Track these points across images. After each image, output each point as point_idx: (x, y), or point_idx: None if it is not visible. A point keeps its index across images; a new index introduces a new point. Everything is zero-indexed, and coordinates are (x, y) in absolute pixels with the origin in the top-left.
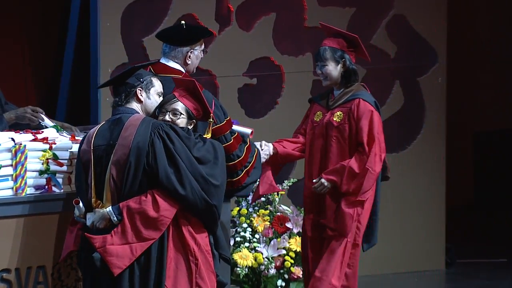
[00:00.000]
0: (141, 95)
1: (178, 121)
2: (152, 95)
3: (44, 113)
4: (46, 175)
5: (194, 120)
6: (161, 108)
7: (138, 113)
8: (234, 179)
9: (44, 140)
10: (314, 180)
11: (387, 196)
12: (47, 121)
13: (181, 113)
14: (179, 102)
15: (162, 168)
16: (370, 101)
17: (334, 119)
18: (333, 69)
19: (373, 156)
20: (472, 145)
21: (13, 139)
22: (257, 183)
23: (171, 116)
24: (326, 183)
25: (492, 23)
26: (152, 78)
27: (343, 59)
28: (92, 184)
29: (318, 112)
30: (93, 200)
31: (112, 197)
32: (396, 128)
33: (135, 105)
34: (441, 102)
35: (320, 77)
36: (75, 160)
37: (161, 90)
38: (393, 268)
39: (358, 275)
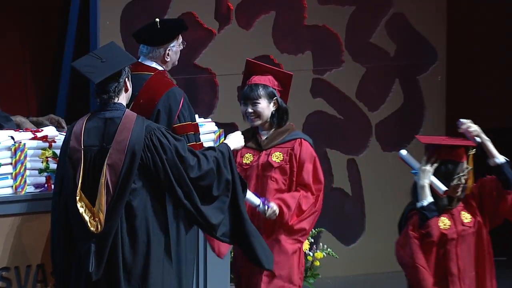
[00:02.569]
0: (127, 84)
1: (259, 109)
2: (130, 81)
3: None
4: (45, 174)
5: (276, 98)
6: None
7: (125, 107)
8: None
9: (44, 138)
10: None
11: (387, 195)
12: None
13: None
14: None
15: (162, 175)
16: (310, 142)
17: (273, 159)
18: (266, 108)
19: (320, 199)
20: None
21: (12, 138)
22: None
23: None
24: (276, 209)
25: (492, 22)
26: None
27: (275, 97)
28: (79, 183)
29: (246, 154)
30: (77, 198)
31: (106, 201)
32: (396, 127)
33: (123, 96)
34: (440, 101)
35: (247, 116)
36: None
37: None
38: (393, 266)
39: (358, 273)
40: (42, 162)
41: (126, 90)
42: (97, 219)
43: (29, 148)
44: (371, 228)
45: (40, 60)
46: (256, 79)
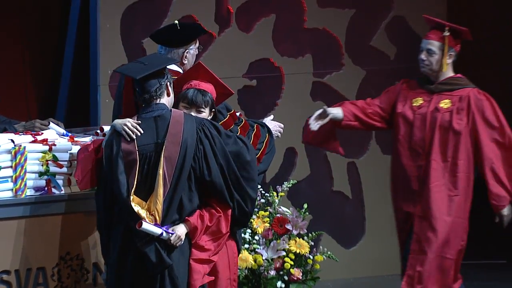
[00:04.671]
0: (169, 88)
1: (202, 116)
2: (172, 88)
3: (50, 123)
4: (45, 177)
5: (214, 110)
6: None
7: (170, 108)
8: None
9: (44, 141)
10: None
11: (387, 197)
12: (57, 128)
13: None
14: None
15: (214, 166)
16: None
17: None
18: (206, 117)
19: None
20: None
21: (12, 141)
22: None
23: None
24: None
25: (492, 23)
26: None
27: (213, 109)
28: (135, 182)
29: None
30: (131, 197)
31: (163, 193)
32: None
33: (165, 100)
34: None
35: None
36: (75, 162)
37: None
38: (393, 269)
39: (358, 276)
40: (42, 165)
41: (169, 95)
42: (154, 212)
43: (29, 151)
44: (371, 231)
45: (40, 63)
46: (204, 85)
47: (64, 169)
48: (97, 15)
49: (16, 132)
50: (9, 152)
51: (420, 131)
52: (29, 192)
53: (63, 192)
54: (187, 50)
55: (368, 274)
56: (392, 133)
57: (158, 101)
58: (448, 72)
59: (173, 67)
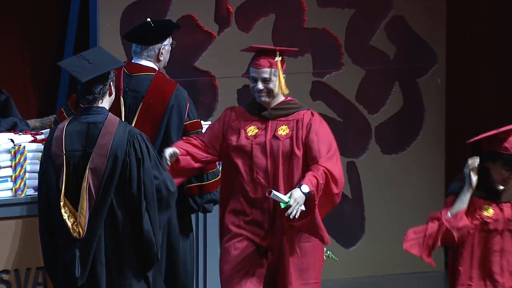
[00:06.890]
0: (112, 88)
1: None
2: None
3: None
4: None
5: None
6: None
7: (108, 111)
8: (204, 183)
9: (44, 141)
10: None
11: (386, 197)
12: None
13: None
14: None
15: (135, 181)
16: None
17: None
18: None
19: None
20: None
21: (12, 140)
22: None
23: None
24: None
25: (492, 24)
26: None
27: None
28: (63, 189)
29: None
30: (61, 203)
31: (88, 206)
32: (395, 129)
33: (106, 100)
34: (440, 103)
35: None
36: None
37: None
38: (392, 269)
39: (357, 276)
40: None
41: (110, 94)
42: (77, 225)
43: (29, 151)
44: (371, 231)
45: (40, 63)
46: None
47: None
48: (97, 15)
49: (27, 130)
50: (8, 151)
51: (262, 162)
52: (28, 192)
53: None
54: (162, 47)
55: (367, 274)
56: (228, 169)
57: (100, 103)
58: (280, 97)
59: (149, 63)
